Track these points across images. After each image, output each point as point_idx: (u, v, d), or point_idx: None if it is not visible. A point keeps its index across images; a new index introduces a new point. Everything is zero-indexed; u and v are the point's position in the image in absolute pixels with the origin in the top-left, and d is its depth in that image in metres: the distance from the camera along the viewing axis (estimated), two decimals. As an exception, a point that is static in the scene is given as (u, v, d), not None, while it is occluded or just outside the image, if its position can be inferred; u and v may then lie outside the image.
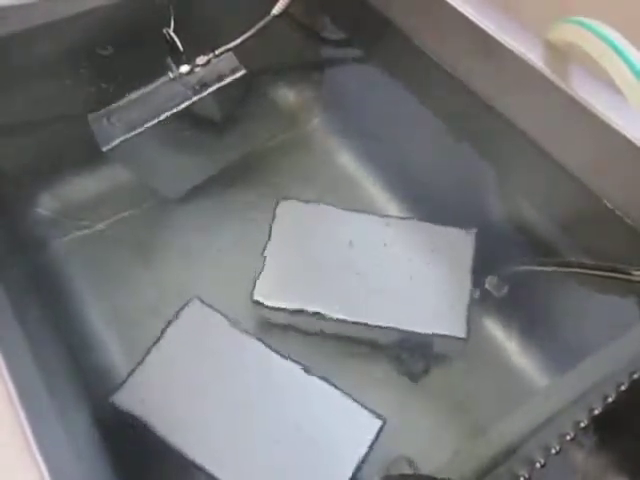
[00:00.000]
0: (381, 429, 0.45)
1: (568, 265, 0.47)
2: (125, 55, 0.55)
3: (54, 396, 0.36)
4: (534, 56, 0.46)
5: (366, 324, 0.50)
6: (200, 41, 0.53)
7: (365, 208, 0.57)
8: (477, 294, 0.52)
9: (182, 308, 0.51)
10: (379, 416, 0.46)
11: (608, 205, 0.46)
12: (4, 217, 0.57)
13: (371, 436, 0.45)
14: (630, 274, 0.42)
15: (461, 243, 0.54)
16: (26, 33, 0.52)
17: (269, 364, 0.49)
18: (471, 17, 0.49)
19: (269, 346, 0.49)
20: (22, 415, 0.30)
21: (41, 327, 0.48)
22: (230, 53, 0.53)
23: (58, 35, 0.54)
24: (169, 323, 0.50)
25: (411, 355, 0.52)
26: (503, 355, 0.54)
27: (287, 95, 0.72)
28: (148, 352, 0.49)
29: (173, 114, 0.52)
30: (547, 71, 0.45)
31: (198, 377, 0.48)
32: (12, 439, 0.29)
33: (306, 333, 0.54)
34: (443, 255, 0.54)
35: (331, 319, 0.50)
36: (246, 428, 0.45)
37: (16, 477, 0.28)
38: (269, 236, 0.55)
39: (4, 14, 0.49)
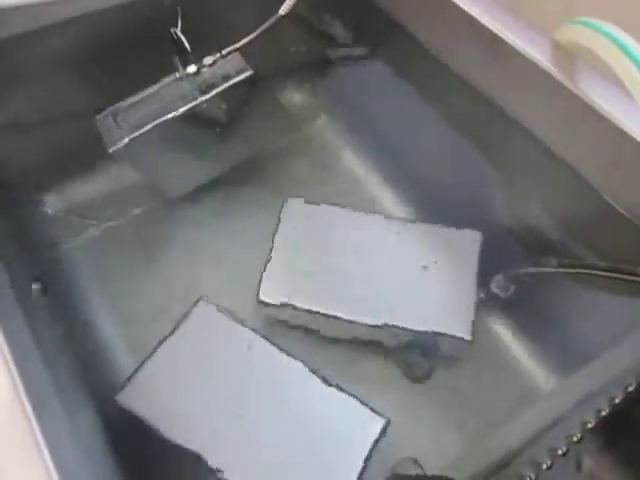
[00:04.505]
0: (385, 428, 0.45)
1: (574, 266, 0.47)
2: (133, 55, 0.55)
3: (61, 394, 0.36)
4: (541, 56, 0.46)
5: (371, 324, 0.50)
6: (207, 41, 0.53)
7: (370, 209, 0.57)
8: (483, 295, 0.52)
9: (190, 309, 0.51)
10: (382, 415, 0.46)
11: (615, 206, 0.46)
12: (11, 216, 0.58)
13: (375, 435, 0.45)
14: (637, 275, 0.42)
15: (467, 244, 0.54)
16: (34, 33, 0.52)
17: (274, 364, 0.49)
18: (478, 17, 0.49)
19: (275, 346, 0.49)
20: (29, 412, 0.30)
21: (48, 326, 0.48)
22: (237, 53, 0.53)
23: (66, 35, 0.54)
24: (177, 324, 0.51)
25: (416, 356, 0.52)
26: (509, 356, 0.54)
27: (293, 95, 0.72)
28: (154, 351, 0.49)
29: (179, 114, 0.52)
30: (554, 71, 0.45)
31: (203, 377, 0.48)
32: (20, 437, 0.29)
33: (311, 333, 0.54)
34: (449, 256, 0.54)
35: (336, 319, 0.50)
36: (251, 428, 0.45)
37: (24, 473, 0.28)
38: (274, 236, 0.55)
39: (14, 14, 0.49)
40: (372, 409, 0.46)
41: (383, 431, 0.45)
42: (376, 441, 0.45)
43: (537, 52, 0.46)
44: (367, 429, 0.45)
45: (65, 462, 0.30)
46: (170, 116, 0.52)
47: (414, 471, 0.43)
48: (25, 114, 0.59)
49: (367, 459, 0.44)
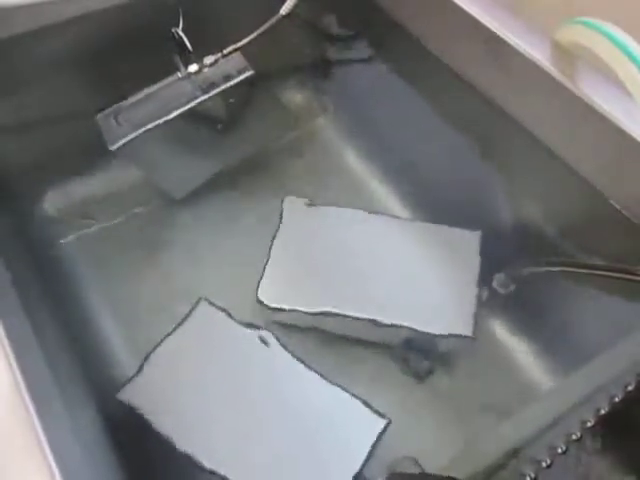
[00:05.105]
0: (385, 428, 0.45)
1: (574, 265, 0.47)
2: (134, 54, 0.55)
3: (62, 392, 0.36)
4: (541, 57, 0.46)
5: (372, 322, 0.50)
6: (208, 41, 0.53)
7: (371, 208, 0.57)
8: (483, 294, 0.52)
9: (191, 309, 0.51)
10: (383, 415, 0.46)
11: (615, 205, 0.46)
12: (11, 216, 0.58)
13: (375, 435, 0.45)
14: (636, 274, 0.42)
15: (467, 243, 0.54)
16: (35, 33, 0.53)
17: (274, 364, 0.49)
18: (478, 17, 0.49)
19: (274, 346, 0.49)
20: (31, 410, 0.30)
21: (50, 325, 0.48)
22: (238, 53, 0.53)
23: (67, 35, 0.54)
24: (178, 323, 0.51)
25: (417, 354, 0.52)
26: (509, 355, 0.54)
27: (294, 95, 0.72)
28: (155, 349, 0.49)
29: (180, 113, 0.52)
30: (554, 71, 0.45)
31: (204, 376, 0.48)
32: (22, 434, 0.29)
33: (310, 333, 0.54)
34: (449, 255, 0.54)
35: (335, 318, 0.51)
36: (251, 427, 0.46)
37: (26, 471, 0.29)
38: (274, 235, 0.55)
39: (14, 14, 0.49)
40: (373, 409, 0.46)
41: (383, 432, 0.45)
42: (376, 442, 0.45)
43: (537, 52, 0.46)
44: (368, 429, 0.45)
45: (67, 460, 0.30)
46: (171, 115, 0.52)
47: (413, 470, 0.43)
48: (26, 113, 0.59)
49: (366, 459, 0.44)
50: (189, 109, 0.52)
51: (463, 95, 0.55)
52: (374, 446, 0.44)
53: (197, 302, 0.52)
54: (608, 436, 0.38)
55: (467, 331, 0.49)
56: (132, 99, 0.52)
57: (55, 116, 0.60)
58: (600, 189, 0.47)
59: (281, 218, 0.56)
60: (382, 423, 0.45)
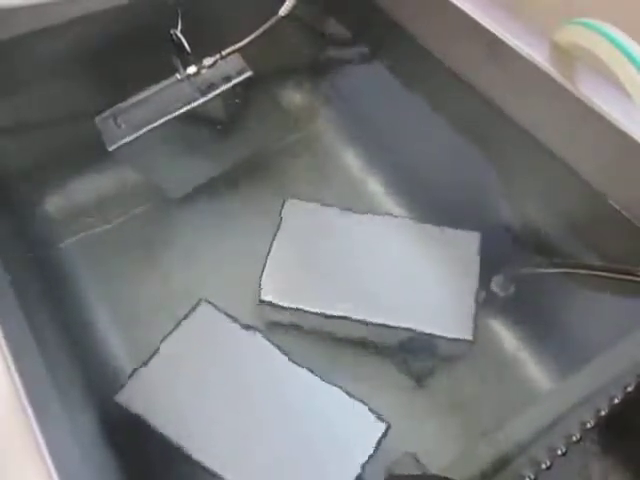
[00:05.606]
0: (385, 433, 0.45)
1: (574, 266, 0.47)
2: (133, 56, 0.55)
3: (61, 395, 0.36)
4: (540, 57, 0.46)
5: (372, 324, 0.50)
6: (207, 42, 0.53)
7: (370, 209, 0.57)
8: (483, 295, 0.52)
9: (191, 310, 0.51)
10: (384, 419, 0.46)
11: (614, 206, 0.46)
12: (12, 216, 0.58)
13: (375, 439, 0.45)
14: (636, 275, 0.42)
15: (467, 245, 0.54)
16: (35, 34, 0.53)
17: (275, 366, 0.49)
18: (477, 18, 0.49)
19: (276, 348, 0.49)
20: (30, 413, 0.30)
21: (48, 326, 0.48)
22: (237, 54, 0.53)
23: (67, 36, 0.54)
24: (177, 324, 0.51)
25: (416, 356, 0.52)
26: (509, 356, 0.54)
27: (293, 96, 0.72)
28: (154, 351, 0.49)
29: (179, 115, 0.52)
30: (553, 72, 0.45)
31: (204, 377, 0.48)
32: (20, 437, 0.29)
33: (311, 334, 0.54)
34: (449, 257, 0.54)
35: (336, 319, 0.51)
36: (250, 429, 0.46)
37: (24, 474, 0.29)
38: (274, 236, 0.55)
39: (15, 15, 0.49)
40: (374, 412, 0.46)
41: (384, 435, 0.45)
42: (377, 445, 0.45)
43: (537, 53, 0.46)
44: (368, 432, 0.45)
45: (65, 462, 0.30)
46: (170, 117, 0.52)
47: (413, 467, 0.43)
48: (26, 114, 0.59)
49: (366, 462, 0.44)
50: (188, 111, 0.52)
51: (463, 95, 0.55)
52: (375, 450, 0.44)
53: (197, 303, 0.52)
54: (608, 437, 0.38)
55: (467, 335, 0.49)
56: (131, 101, 0.52)
57: (55, 117, 0.60)
58: (600, 189, 0.46)
59: (281, 219, 0.56)
60: (382, 426, 0.45)
